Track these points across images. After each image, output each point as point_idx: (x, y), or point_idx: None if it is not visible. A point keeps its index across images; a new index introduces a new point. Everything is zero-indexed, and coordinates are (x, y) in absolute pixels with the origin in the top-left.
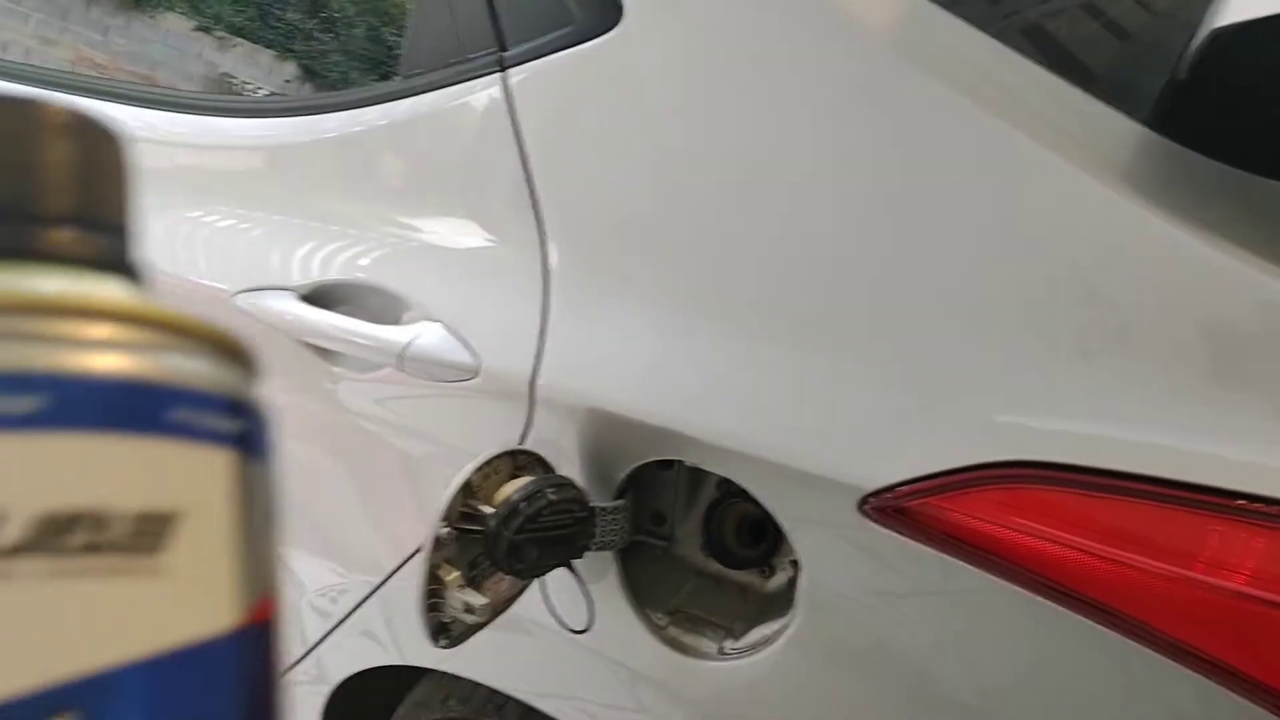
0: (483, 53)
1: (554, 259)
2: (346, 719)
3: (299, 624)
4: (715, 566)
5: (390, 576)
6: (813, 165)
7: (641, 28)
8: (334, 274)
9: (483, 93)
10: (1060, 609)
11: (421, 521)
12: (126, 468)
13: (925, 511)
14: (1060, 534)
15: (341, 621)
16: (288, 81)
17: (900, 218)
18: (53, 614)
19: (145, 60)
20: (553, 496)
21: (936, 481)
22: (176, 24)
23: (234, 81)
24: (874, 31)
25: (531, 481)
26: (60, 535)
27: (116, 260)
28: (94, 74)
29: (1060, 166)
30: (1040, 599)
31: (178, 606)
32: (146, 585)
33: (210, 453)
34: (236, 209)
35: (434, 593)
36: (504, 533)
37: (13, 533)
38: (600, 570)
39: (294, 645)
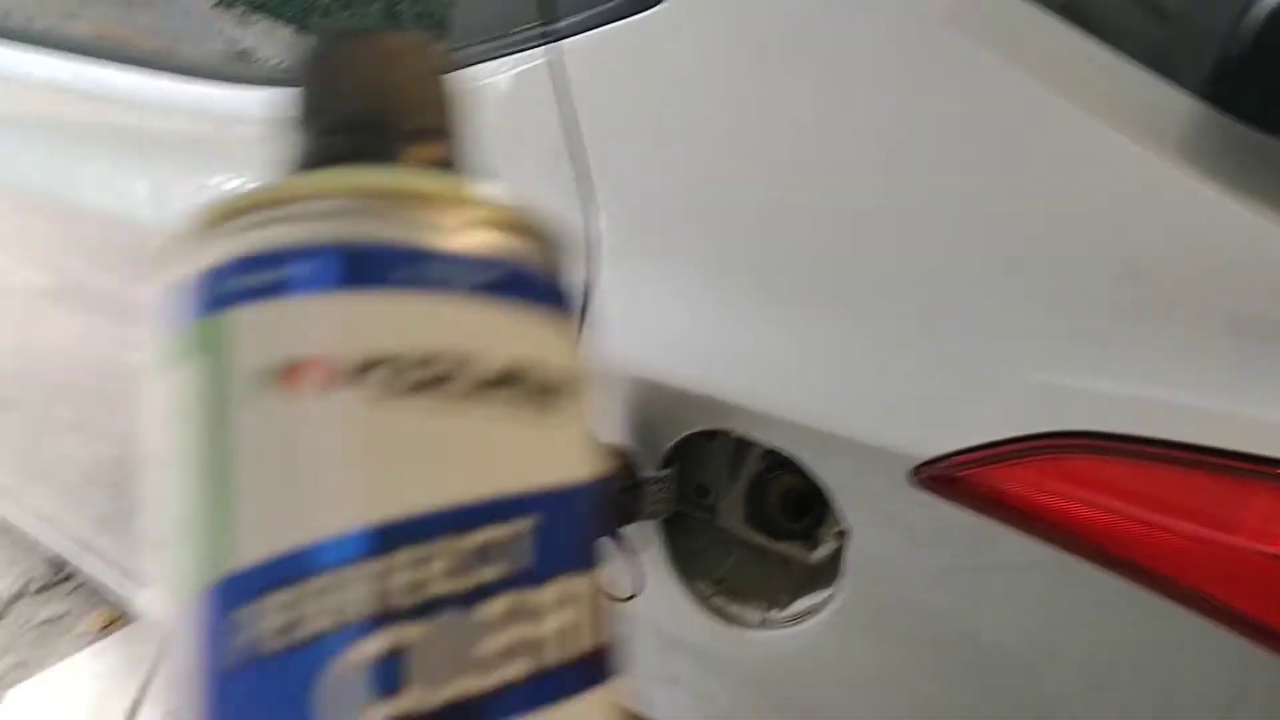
0: (530, 25)
1: (598, 229)
2: None
3: None
4: (759, 538)
5: None
6: (862, 134)
7: (686, 3)
8: None
9: (530, 65)
10: (1108, 576)
11: None
12: (544, 334)
13: (979, 481)
14: (1111, 502)
15: None
16: None
17: (954, 186)
18: (502, 441)
19: (166, 35)
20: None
21: (990, 451)
22: (196, 1)
23: (254, 58)
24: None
25: None
26: (512, 381)
27: (458, 161)
28: (120, 44)
29: (1113, 137)
30: (1090, 566)
31: (569, 451)
32: (555, 430)
33: (569, 324)
34: (245, 174)
35: None
36: None
37: (487, 371)
38: (644, 540)
39: None
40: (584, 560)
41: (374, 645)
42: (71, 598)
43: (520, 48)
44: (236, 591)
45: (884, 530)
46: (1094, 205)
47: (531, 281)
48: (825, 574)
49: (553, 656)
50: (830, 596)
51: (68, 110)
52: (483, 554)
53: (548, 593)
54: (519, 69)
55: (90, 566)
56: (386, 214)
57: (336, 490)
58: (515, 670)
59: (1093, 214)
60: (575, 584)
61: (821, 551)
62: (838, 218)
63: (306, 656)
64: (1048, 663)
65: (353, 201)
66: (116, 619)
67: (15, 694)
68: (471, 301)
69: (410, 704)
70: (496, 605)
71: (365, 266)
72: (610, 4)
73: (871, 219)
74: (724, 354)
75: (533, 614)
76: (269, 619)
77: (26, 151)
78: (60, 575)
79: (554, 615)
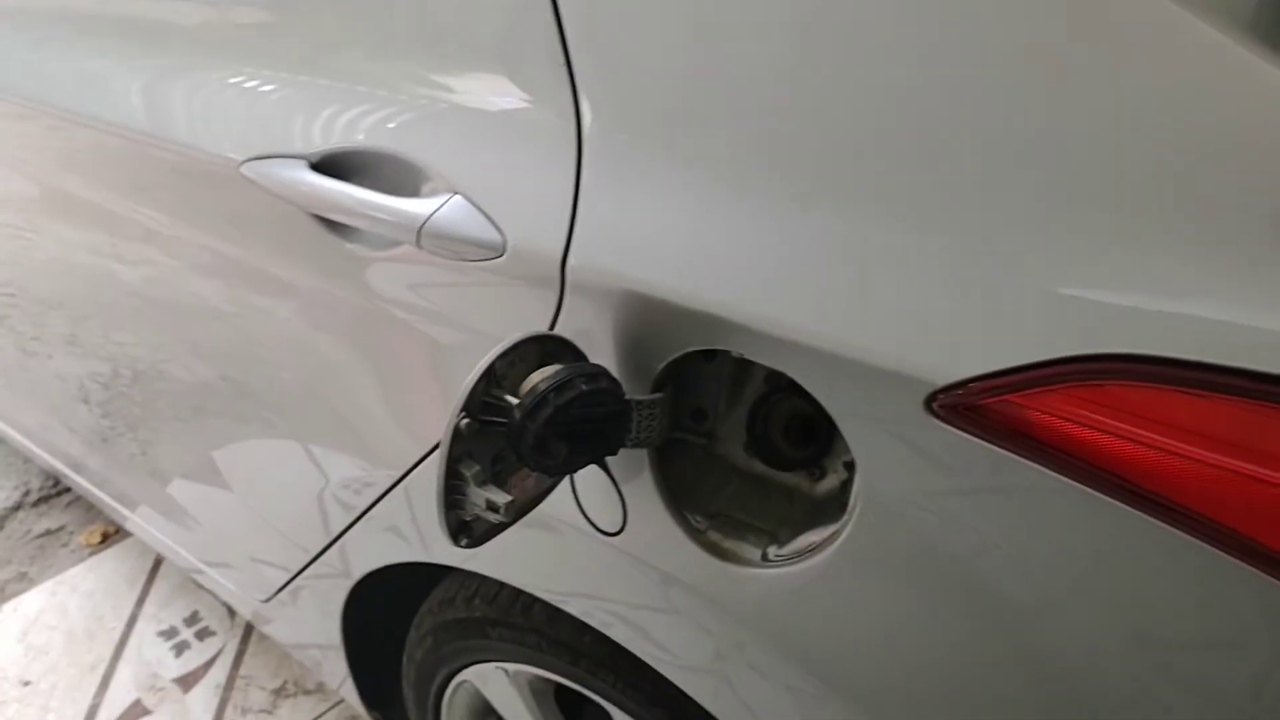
0: None
1: (589, 124)
2: (369, 614)
3: (323, 516)
4: (760, 467)
5: (412, 470)
6: (875, 16)
7: None
8: (350, 140)
9: None
10: (1133, 512)
11: (445, 413)
12: None
13: (1003, 410)
14: (1147, 434)
15: (363, 514)
16: None
17: (982, 88)
18: None
19: None
20: (584, 387)
21: (1015, 378)
22: None
23: None
24: None
25: (561, 370)
26: None
27: None
28: None
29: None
30: (1115, 502)
31: None
32: None
33: None
34: (247, 68)
35: (454, 489)
36: (530, 425)
37: None
38: (635, 469)
39: (317, 537)
40: None
41: None
42: (69, 511)
43: None
44: None
45: (895, 462)
46: (1155, 100)
47: None
48: (831, 508)
49: None
50: (836, 532)
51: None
52: None
53: None
54: None
55: (81, 485)
56: None
57: None
58: None
59: (1151, 108)
60: None
61: (828, 483)
62: (857, 116)
63: None
64: (1060, 599)
65: None
66: (112, 533)
67: (13, 605)
68: None
69: None
70: None
71: None
72: None
73: (889, 117)
74: (723, 267)
75: None
76: None
77: (18, 51)
78: (57, 487)
79: None
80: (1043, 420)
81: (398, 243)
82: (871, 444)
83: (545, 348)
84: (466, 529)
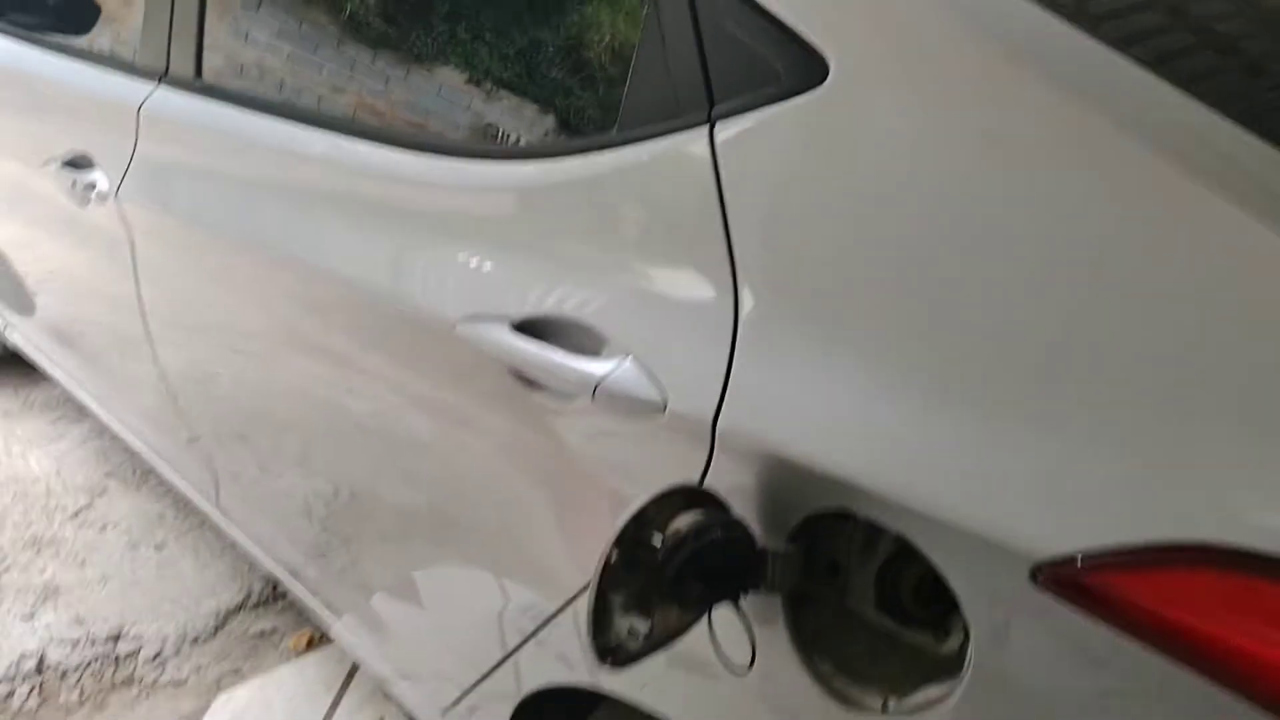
0: (693, 108)
1: (746, 306)
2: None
3: (500, 634)
4: (888, 623)
5: (574, 599)
6: (1010, 229)
7: (846, 86)
8: (546, 309)
9: (691, 146)
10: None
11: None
12: None
13: (1106, 590)
14: (1239, 621)
15: (533, 635)
16: (546, 135)
17: (1112, 284)
18: None
19: (419, 110)
20: (721, 533)
21: (1120, 557)
22: (450, 78)
23: (497, 132)
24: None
25: (702, 517)
26: None
27: None
28: (373, 121)
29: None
30: (1207, 684)
31: None
32: None
33: None
34: (474, 239)
35: (602, 613)
36: (670, 562)
37: None
38: (770, 615)
39: (493, 654)
40: None
41: None
42: (281, 615)
43: (681, 128)
44: None
45: (1005, 631)
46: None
47: None
48: (953, 666)
49: None
50: (951, 690)
51: (325, 180)
52: None
53: None
54: (680, 150)
55: (297, 591)
56: None
57: None
58: None
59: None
60: None
61: (951, 642)
62: (982, 314)
63: None
64: None
65: None
66: (316, 639)
67: (226, 696)
68: None
69: None
70: None
71: None
72: (767, 89)
73: (1020, 317)
74: (854, 435)
75: None
76: None
77: (286, 217)
78: (274, 593)
79: None
80: (1145, 604)
81: (576, 396)
82: (984, 610)
83: (691, 498)
84: (612, 652)
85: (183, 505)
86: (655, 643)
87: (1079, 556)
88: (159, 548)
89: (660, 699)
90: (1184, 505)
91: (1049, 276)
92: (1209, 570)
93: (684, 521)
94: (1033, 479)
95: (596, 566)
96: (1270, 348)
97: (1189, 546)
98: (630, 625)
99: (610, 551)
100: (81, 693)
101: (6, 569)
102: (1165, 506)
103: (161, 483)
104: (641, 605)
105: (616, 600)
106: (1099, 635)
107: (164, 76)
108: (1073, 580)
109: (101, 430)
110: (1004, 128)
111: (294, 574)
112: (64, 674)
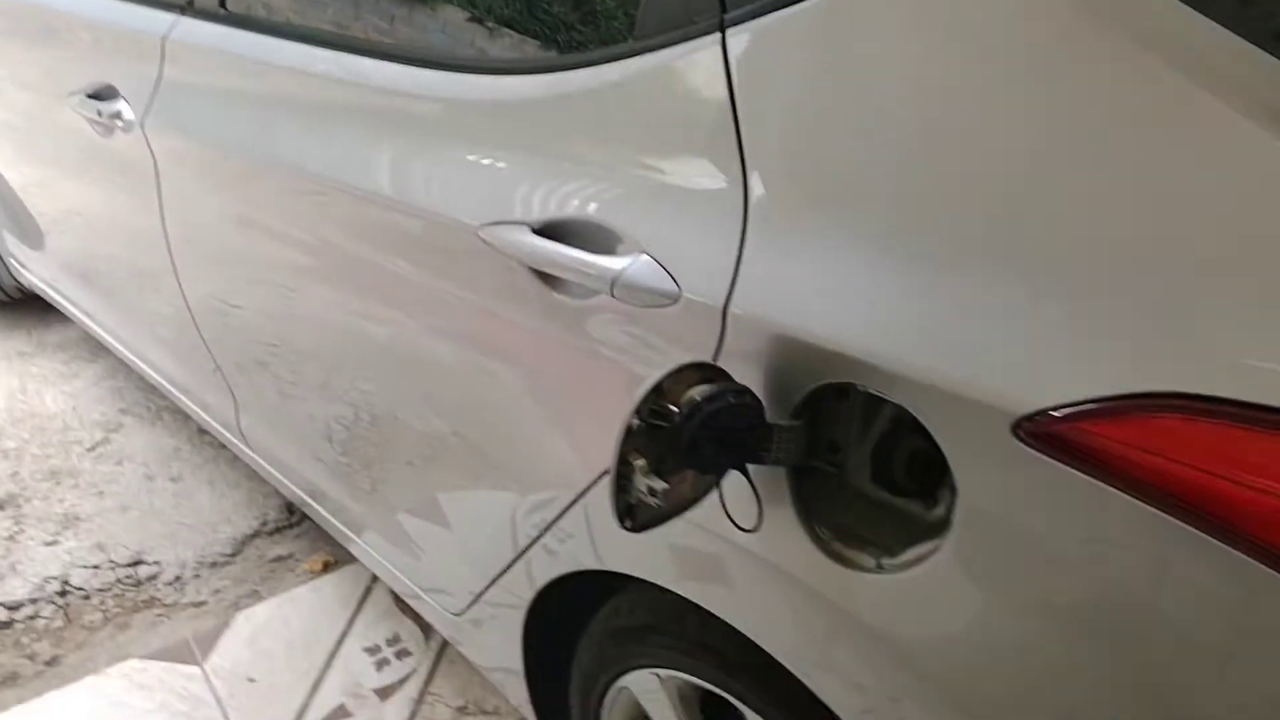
0: (707, 14)
1: (754, 197)
2: (547, 643)
3: (513, 533)
4: (883, 494)
5: (586, 492)
6: (1017, 117)
7: None
8: (564, 212)
9: (704, 52)
10: (1213, 541)
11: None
12: None
13: (1078, 439)
14: (1199, 462)
15: (550, 527)
16: (564, 49)
17: (1111, 164)
18: None
19: (443, 29)
20: (732, 400)
21: (1089, 408)
22: (453, 15)
23: (519, 47)
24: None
25: (714, 386)
26: None
27: None
28: (395, 40)
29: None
30: (1192, 529)
31: None
32: None
33: None
34: (493, 150)
35: (624, 476)
36: (686, 427)
37: None
38: (774, 486)
39: (505, 550)
40: None
41: None
42: (298, 541)
43: (695, 35)
44: None
45: (989, 485)
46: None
47: None
48: (940, 528)
49: None
50: (937, 545)
51: (349, 100)
52: None
53: None
54: (693, 55)
55: (315, 513)
56: None
57: None
58: None
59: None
60: None
61: (939, 509)
62: (982, 191)
63: None
64: (1139, 620)
65: None
66: (332, 563)
67: (245, 614)
68: None
69: None
70: None
71: None
72: None
73: (1016, 191)
74: (854, 315)
75: None
76: None
77: (311, 138)
78: (289, 520)
79: None
80: (1113, 449)
81: (596, 292)
82: (970, 467)
83: (704, 372)
84: (631, 512)
85: (198, 439)
86: (672, 508)
87: (1054, 408)
88: (175, 479)
89: (673, 576)
90: (1156, 359)
91: (1038, 162)
92: (1178, 417)
93: (698, 391)
94: (1017, 344)
95: (619, 433)
96: (1241, 210)
97: (1159, 394)
98: (649, 485)
99: (630, 418)
100: (105, 614)
101: (27, 499)
102: (1140, 361)
103: (177, 418)
104: (659, 468)
105: (636, 463)
106: (1076, 485)
107: (188, 8)
108: (1049, 431)
109: (115, 370)
110: (1008, 26)
111: (315, 496)
112: (87, 596)
